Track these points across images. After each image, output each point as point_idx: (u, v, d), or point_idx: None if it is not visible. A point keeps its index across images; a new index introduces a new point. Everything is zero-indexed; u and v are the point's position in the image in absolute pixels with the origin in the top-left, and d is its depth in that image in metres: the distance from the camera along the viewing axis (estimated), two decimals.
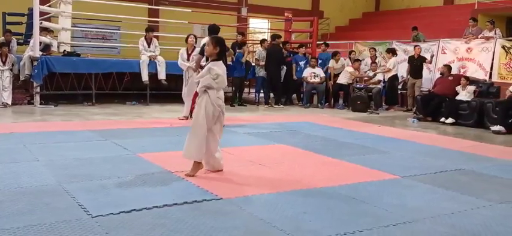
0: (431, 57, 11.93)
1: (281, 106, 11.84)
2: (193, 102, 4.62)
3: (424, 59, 11.72)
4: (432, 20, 17.19)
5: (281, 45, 12.63)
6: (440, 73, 10.84)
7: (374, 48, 12.80)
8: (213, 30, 7.64)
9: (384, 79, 12.01)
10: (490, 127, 8.80)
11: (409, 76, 11.87)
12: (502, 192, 4.47)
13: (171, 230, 3.14)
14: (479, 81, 10.83)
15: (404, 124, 9.46)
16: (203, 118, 4.54)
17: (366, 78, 12.11)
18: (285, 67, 12.28)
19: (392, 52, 12.19)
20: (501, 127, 8.59)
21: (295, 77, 12.32)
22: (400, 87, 12.54)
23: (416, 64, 11.69)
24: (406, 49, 13.12)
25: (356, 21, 22.15)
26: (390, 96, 12.26)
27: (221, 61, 4.64)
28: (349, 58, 12.96)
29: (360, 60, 12.61)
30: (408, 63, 11.94)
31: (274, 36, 12.23)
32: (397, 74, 12.12)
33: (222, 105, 4.68)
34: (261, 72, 11.90)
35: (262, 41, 12.52)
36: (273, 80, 11.82)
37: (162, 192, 4.01)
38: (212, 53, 4.65)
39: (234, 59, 11.57)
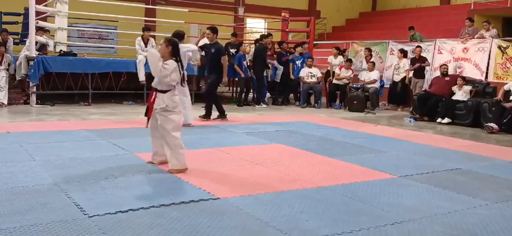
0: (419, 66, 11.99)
1: (264, 106, 11.58)
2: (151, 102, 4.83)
3: (424, 60, 11.81)
4: (429, 20, 17.25)
5: (277, 44, 12.64)
6: (441, 73, 10.85)
7: (369, 49, 12.92)
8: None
9: (378, 79, 12.06)
10: (485, 124, 8.84)
11: (412, 76, 11.97)
12: (499, 191, 4.48)
13: (168, 230, 3.13)
14: (476, 81, 10.86)
15: (400, 124, 9.48)
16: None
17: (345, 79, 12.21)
18: (280, 67, 12.28)
19: (404, 53, 12.23)
20: (494, 124, 8.64)
21: (292, 77, 12.32)
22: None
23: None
24: (402, 49, 13.13)
25: (353, 21, 22.19)
26: (402, 95, 12.31)
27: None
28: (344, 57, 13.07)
29: (351, 60, 12.68)
30: (410, 63, 12.02)
31: (262, 36, 12.19)
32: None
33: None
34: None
35: (256, 41, 12.44)
36: (257, 80, 11.70)
37: (159, 192, 4.01)
38: (165, 53, 4.75)
39: (235, 61, 11.58)
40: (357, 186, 4.43)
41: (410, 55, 12.82)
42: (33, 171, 4.50)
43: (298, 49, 12.76)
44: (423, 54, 12.09)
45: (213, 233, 3.12)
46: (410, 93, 12.12)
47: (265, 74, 12.07)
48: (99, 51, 15.68)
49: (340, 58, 12.81)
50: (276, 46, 12.98)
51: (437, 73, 11.34)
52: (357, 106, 11.31)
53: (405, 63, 12.15)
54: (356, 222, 3.43)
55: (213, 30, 8.78)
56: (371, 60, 12.44)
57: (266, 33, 12.63)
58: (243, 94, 11.69)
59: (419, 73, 11.76)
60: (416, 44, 12.33)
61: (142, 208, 3.52)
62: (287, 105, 12.38)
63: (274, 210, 3.63)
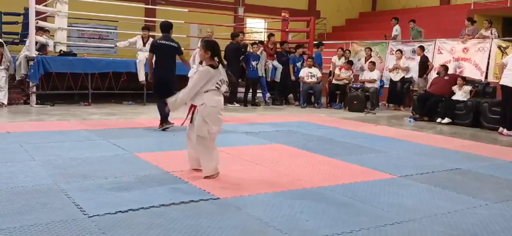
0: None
1: (237, 105, 11.44)
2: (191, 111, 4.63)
3: (426, 59, 11.88)
4: (428, 20, 17.22)
5: (279, 44, 12.65)
6: (437, 73, 10.94)
7: (370, 48, 12.98)
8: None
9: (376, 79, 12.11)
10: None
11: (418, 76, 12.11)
12: (499, 191, 4.48)
13: (168, 230, 3.13)
14: (476, 81, 10.87)
15: (400, 124, 9.48)
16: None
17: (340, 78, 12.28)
18: (279, 66, 12.25)
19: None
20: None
21: (293, 78, 12.31)
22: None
23: (419, 65, 11.99)
24: (402, 49, 13.15)
25: (353, 21, 22.19)
26: (402, 95, 12.39)
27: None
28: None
29: (352, 62, 12.74)
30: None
31: (233, 35, 12.07)
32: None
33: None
34: (259, 72, 11.87)
35: (261, 42, 12.41)
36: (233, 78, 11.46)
37: (159, 192, 4.01)
38: (204, 58, 4.57)
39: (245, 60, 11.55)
40: (357, 186, 4.43)
41: (409, 54, 12.86)
42: (33, 171, 4.50)
43: (299, 50, 12.76)
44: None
45: (213, 233, 3.12)
46: (411, 93, 12.15)
47: (262, 75, 12.01)
48: (99, 51, 15.66)
49: (343, 59, 12.85)
50: (271, 45, 12.95)
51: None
52: (357, 106, 11.31)
53: (405, 62, 12.21)
54: (356, 222, 3.43)
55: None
56: (371, 60, 12.49)
57: (236, 33, 12.40)
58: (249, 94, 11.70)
59: (423, 72, 11.88)
60: (417, 44, 12.41)
61: (142, 208, 3.52)
62: (287, 105, 12.39)
63: (274, 210, 3.63)
